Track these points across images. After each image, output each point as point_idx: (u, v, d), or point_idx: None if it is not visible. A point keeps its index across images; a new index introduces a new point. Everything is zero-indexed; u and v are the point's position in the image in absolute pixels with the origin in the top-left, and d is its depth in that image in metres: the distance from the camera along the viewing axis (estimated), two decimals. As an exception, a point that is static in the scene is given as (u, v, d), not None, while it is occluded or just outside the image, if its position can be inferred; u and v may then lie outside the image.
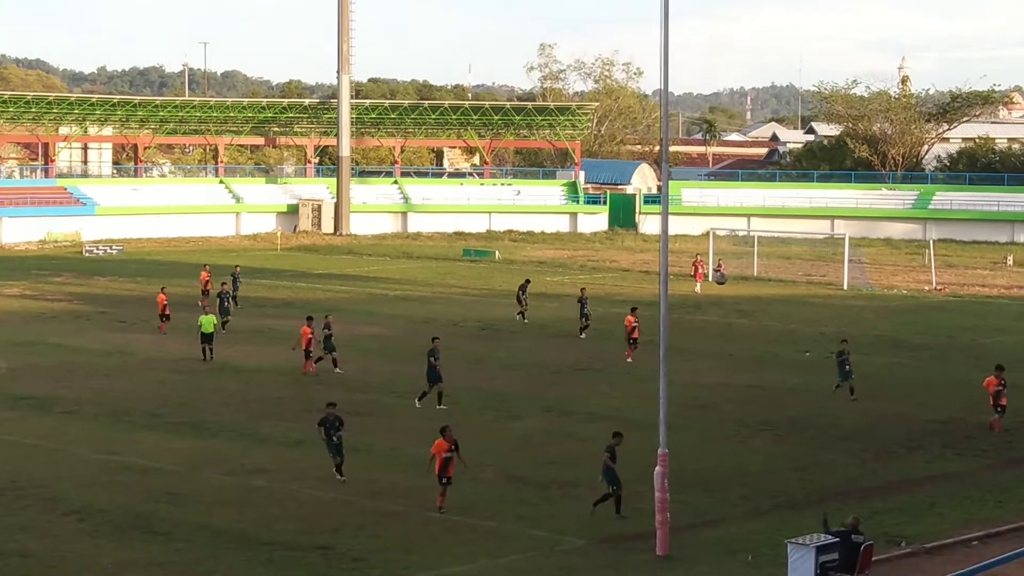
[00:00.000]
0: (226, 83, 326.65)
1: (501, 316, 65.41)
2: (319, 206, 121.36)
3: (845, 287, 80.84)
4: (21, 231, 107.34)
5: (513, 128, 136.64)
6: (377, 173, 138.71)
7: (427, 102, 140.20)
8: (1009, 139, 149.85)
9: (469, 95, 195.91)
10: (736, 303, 72.61)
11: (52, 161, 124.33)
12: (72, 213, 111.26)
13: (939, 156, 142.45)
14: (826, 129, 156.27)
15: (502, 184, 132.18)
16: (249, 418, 41.88)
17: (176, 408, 43.33)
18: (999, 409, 41.24)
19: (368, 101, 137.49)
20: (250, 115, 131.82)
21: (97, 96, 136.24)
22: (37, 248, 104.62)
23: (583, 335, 59.13)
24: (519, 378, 49.42)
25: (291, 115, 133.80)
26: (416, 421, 41.45)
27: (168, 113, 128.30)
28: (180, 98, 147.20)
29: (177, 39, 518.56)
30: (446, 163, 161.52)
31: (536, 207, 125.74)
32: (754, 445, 39.07)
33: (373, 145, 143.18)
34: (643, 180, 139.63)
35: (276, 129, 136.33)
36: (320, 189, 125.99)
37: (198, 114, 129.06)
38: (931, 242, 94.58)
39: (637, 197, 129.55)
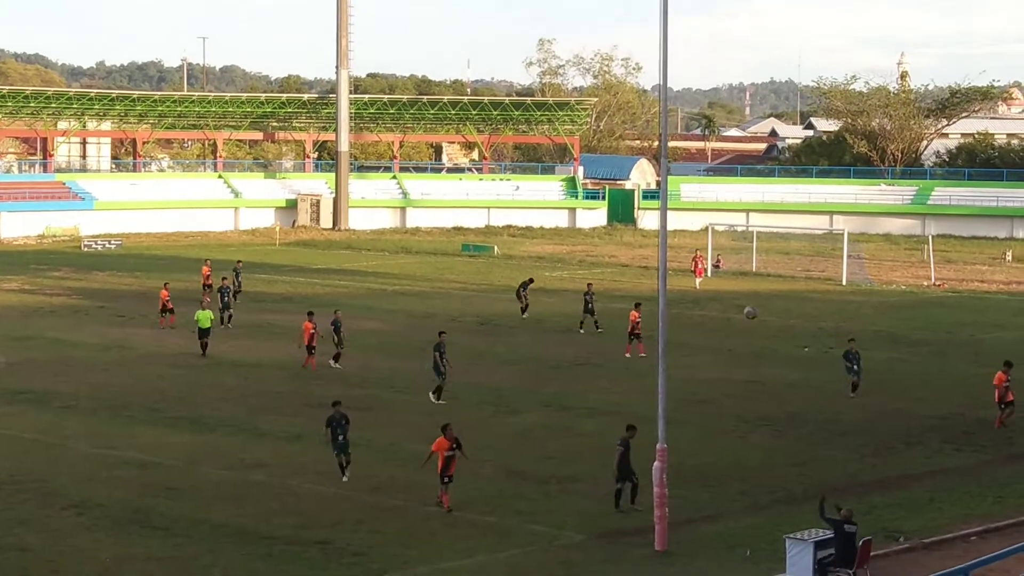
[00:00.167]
0: (225, 78, 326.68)
1: (500, 311, 65.39)
2: (318, 201, 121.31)
3: (844, 282, 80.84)
4: (19, 226, 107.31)
5: (512, 123, 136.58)
6: (376, 168, 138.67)
7: (426, 97, 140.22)
8: (1008, 135, 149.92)
9: (468, 90, 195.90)
10: (735, 298, 72.56)
11: (50, 156, 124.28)
12: (70, 208, 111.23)
13: (938, 152, 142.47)
14: (825, 125, 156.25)
15: (501, 179, 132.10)
16: (248, 413, 41.86)
17: (175, 403, 43.31)
18: (1003, 405, 41.09)
19: (367, 96, 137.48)
20: (249, 110, 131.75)
21: (96, 91, 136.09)
22: (36, 243, 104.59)
23: (599, 329, 58.56)
24: (518, 373, 49.41)
25: (290, 110, 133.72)
26: (415, 416, 41.44)
27: (167, 108, 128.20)
28: (179, 93, 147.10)
29: (176, 34, 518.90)
30: (445, 158, 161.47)
31: (535, 202, 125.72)
32: (753, 440, 39.07)
33: (372, 140, 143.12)
34: (642, 175, 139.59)
35: (275, 124, 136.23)
36: (319, 184, 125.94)
37: (197, 109, 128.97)
38: (930, 238, 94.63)
39: (636, 192, 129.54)
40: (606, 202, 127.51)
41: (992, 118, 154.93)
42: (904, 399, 44.95)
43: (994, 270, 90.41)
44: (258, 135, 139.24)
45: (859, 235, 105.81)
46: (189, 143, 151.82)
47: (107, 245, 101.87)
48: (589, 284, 62.89)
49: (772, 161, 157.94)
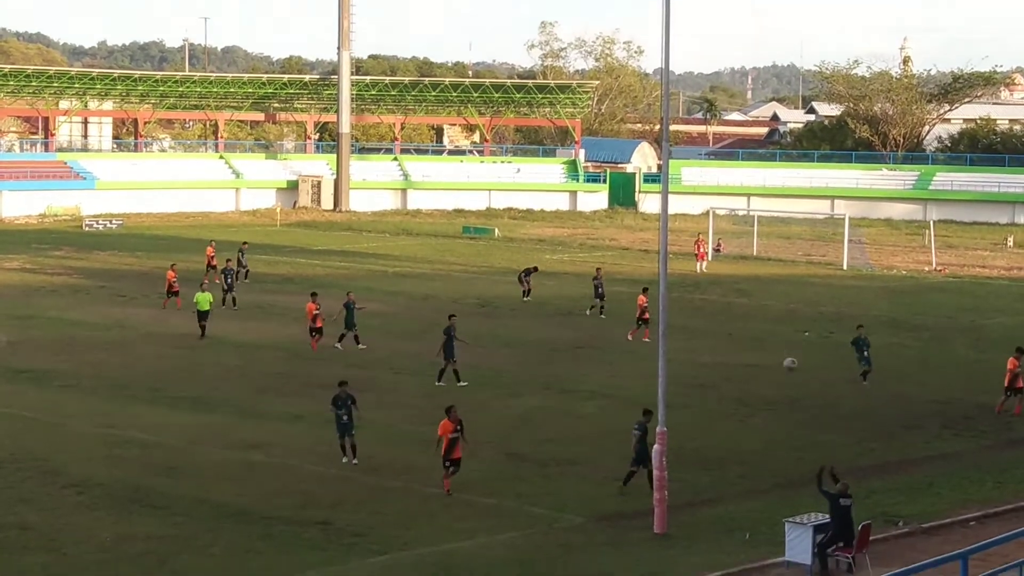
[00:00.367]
0: (226, 58, 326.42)
1: (500, 294, 65.40)
2: (319, 182, 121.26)
3: (845, 267, 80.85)
4: (21, 205, 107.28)
5: (513, 106, 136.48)
6: (377, 150, 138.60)
7: (427, 79, 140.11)
8: (1011, 120, 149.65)
9: (470, 72, 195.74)
10: (735, 282, 72.62)
11: (52, 135, 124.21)
12: (72, 187, 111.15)
13: (940, 137, 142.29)
14: (827, 109, 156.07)
15: (502, 162, 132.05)
16: (249, 393, 41.92)
17: (175, 383, 43.36)
18: (1009, 392, 40.94)
19: (368, 78, 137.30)
20: (250, 91, 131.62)
21: (97, 70, 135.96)
22: (37, 222, 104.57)
23: (601, 314, 58.48)
24: (518, 356, 49.45)
25: (291, 91, 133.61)
26: (415, 398, 41.51)
27: (168, 88, 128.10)
28: (180, 73, 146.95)
29: (178, 14, 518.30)
30: (446, 140, 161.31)
31: (536, 185, 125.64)
32: (753, 424, 39.12)
33: (373, 122, 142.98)
34: (643, 159, 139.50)
35: (276, 105, 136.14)
36: (320, 165, 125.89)
37: (198, 89, 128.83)
38: (931, 223, 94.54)
39: (637, 176, 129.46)
40: (607, 185, 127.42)
41: (994, 103, 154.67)
42: (904, 384, 44.99)
43: (995, 256, 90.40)
44: (259, 116, 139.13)
45: (860, 220, 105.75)
46: (190, 123, 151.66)
47: (108, 225, 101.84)
48: (598, 268, 62.68)
49: (774, 145, 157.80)
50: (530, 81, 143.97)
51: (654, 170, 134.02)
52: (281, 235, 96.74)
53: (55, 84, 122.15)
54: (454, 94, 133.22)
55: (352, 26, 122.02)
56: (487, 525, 28.70)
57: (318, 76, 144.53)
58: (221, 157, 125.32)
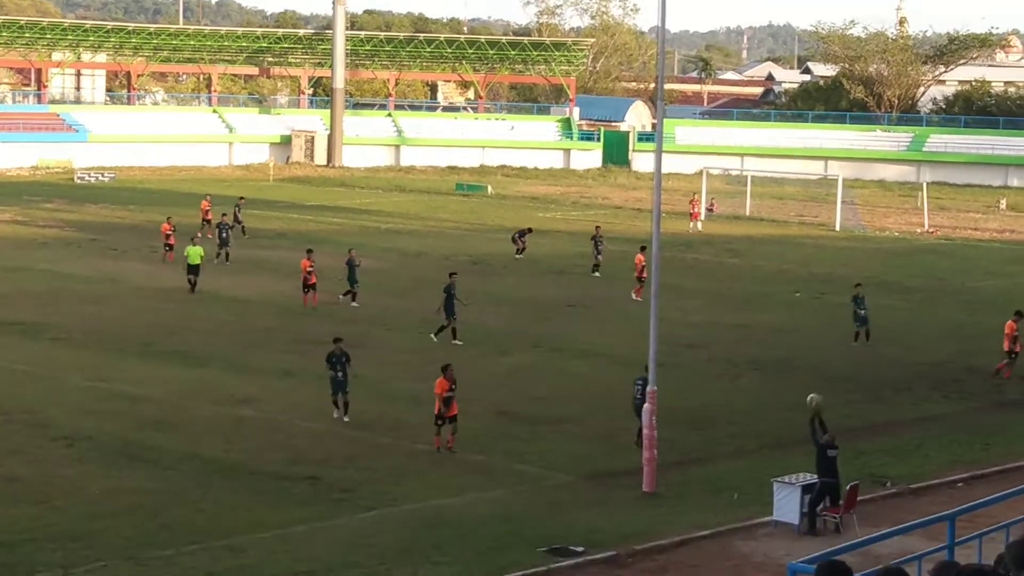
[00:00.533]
0: (220, 12, 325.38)
1: (493, 251, 65.35)
2: (312, 138, 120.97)
3: (837, 228, 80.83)
4: (13, 156, 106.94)
5: (508, 63, 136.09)
6: (371, 106, 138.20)
7: (422, 35, 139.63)
8: (1005, 82, 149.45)
9: (465, 29, 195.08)
10: (728, 242, 72.60)
11: (45, 87, 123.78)
12: (64, 139, 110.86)
13: (935, 99, 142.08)
14: (822, 69, 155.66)
15: (496, 119, 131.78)
16: (240, 348, 41.92)
17: (166, 337, 43.35)
18: (1013, 356, 40.86)
19: (363, 33, 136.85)
20: (244, 45, 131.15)
21: (91, 22, 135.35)
22: (29, 174, 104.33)
23: (596, 273, 58.48)
24: (509, 313, 49.45)
25: (285, 45, 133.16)
26: (406, 355, 41.55)
27: (162, 41, 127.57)
28: (174, 26, 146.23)
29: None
30: (440, 97, 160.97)
31: (530, 143, 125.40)
32: (742, 384, 39.19)
33: (367, 77, 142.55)
34: (637, 117, 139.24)
35: (270, 59, 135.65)
36: (313, 120, 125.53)
37: (192, 43, 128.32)
38: (924, 184, 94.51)
39: (631, 134, 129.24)
40: (601, 143, 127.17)
41: (989, 66, 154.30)
42: (894, 346, 45.03)
43: (988, 218, 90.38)
44: (253, 70, 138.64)
45: (853, 181, 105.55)
46: (184, 77, 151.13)
47: (100, 178, 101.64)
48: (597, 227, 62.42)
49: (768, 105, 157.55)
50: (525, 38, 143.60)
51: (648, 129, 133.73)
52: (274, 190, 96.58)
53: (48, 35, 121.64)
54: (449, 50, 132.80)
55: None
56: (476, 482, 28.77)
57: (312, 31, 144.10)
58: (214, 111, 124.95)
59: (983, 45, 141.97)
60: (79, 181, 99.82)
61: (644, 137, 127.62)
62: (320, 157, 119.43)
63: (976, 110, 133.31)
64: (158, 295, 51.32)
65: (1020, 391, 39.49)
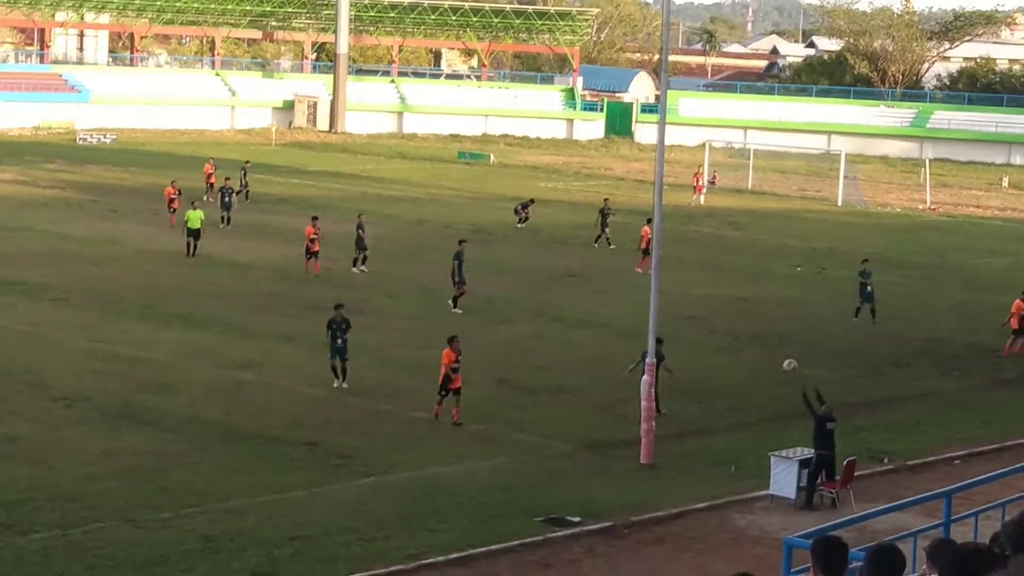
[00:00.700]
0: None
1: (494, 220, 65.28)
2: (315, 103, 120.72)
3: (839, 203, 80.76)
4: (15, 116, 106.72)
5: (512, 32, 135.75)
6: (374, 72, 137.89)
7: (427, 2, 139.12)
8: (1010, 60, 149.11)
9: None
10: (729, 215, 72.56)
11: (47, 47, 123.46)
12: (66, 100, 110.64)
13: (939, 75, 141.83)
14: (827, 44, 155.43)
15: (499, 87, 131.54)
16: (240, 312, 41.94)
17: (167, 299, 43.36)
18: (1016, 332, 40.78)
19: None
20: (248, 8, 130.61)
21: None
22: (31, 134, 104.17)
23: (596, 245, 58.20)
24: (510, 283, 49.44)
25: (290, 9, 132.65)
26: (406, 322, 41.60)
27: (166, 3, 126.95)
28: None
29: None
30: (444, 64, 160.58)
31: (533, 112, 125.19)
32: (742, 358, 39.23)
33: (371, 43, 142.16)
34: (641, 89, 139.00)
35: (274, 23, 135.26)
36: (316, 85, 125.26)
37: (196, 5, 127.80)
38: (927, 161, 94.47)
39: (634, 106, 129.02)
40: (604, 114, 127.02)
41: (995, 43, 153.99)
42: (894, 322, 45.04)
43: (990, 196, 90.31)
44: (257, 34, 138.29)
45: (856, 156, 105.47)
46: (187, 39, 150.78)
47: (102, 139, 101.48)
48: (606, 199, 61.96)
49: (772, 79, 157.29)
50: (530, 7, 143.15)
51: (652, 100, 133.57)
52: (276, 155, 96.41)
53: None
54: (453, 18, 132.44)
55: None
56: (475, 450, 28.84)
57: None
58: (217, 74, 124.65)
59: (989, 22, 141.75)
60: (81, 142, 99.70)
61: (647, 108, 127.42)
62: (323, 123, 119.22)
63: (980, 87, 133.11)
64: (159, 258, 51.32)
65: (1018, 369, 39.54)
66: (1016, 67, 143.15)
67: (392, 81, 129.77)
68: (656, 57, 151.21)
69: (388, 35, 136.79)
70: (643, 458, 28.39)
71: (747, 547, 24.25)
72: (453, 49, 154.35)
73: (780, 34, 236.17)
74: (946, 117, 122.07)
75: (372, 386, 33.52)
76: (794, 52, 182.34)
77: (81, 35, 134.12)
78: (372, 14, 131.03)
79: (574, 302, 46.09)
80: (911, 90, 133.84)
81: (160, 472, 26.31)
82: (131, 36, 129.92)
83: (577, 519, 24.85)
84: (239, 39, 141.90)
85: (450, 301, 43.40)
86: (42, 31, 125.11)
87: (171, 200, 58.90)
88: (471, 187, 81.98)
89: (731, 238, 64.45)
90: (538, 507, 25.34)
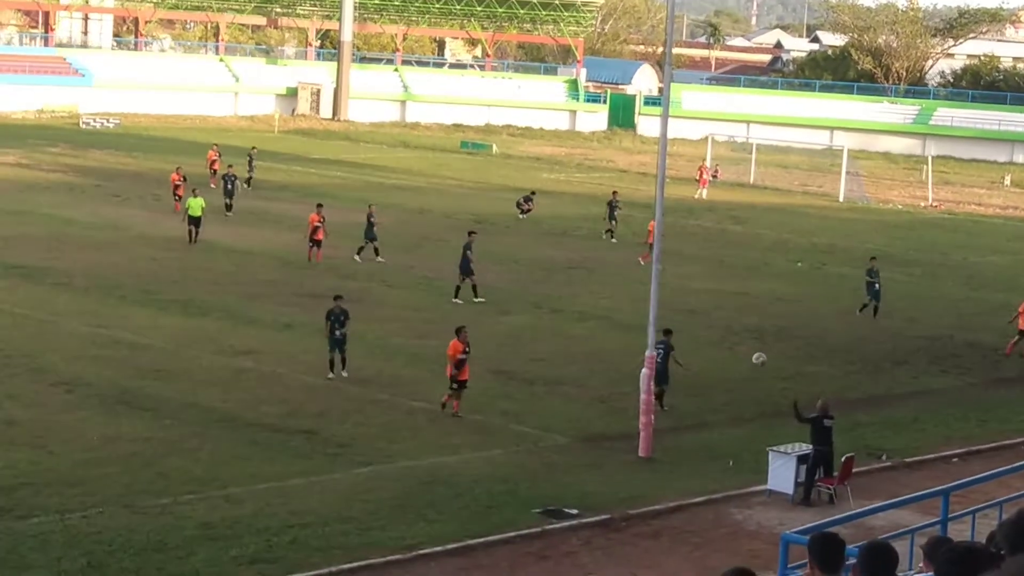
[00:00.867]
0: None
1: (495, 210, 65.28)
2: (318, 90, 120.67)
3: (841, 199, 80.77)
4: (18, 99, 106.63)
5: (517, 22, 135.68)
6: (378, 60, 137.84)
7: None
8: (1015, 58, 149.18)
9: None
10: (731, 209, 72.55)
11: (52, 30, 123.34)
12: (70, 83, 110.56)
13: (943, 72, 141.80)
14: (831, 39, 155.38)
15: (503, 78, 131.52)
16: (240, 299, 41.95)
17: (167, 285, 43.36)
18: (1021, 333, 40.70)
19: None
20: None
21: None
22: (34, 117, 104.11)
23: (613, 239, 57.83)
24: (510, 274, 49.42)
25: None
26: (405, 311, 41.60)
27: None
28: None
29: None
30: (448, 54, 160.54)
31: (536, 103, 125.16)
32: (741, 352, 39.18)
33: (375, 31, 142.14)
34: (644, 81, 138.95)
35: (279, 10, 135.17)
36: (320, 73, 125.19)
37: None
38: (930, 158, 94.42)
39: (637, 98, 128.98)
40: (607, 106, 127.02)
41: (999, 40, 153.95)
42: (894, 319, 45.05)
43: (992, 194, 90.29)
44: (261, 20, 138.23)
45: (859, 152, 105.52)
46: (191, 25, 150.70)
47: (105, 124, 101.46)
48: (615, 192, 61.73)
49: (776, 73, 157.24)
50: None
51: (655, 93, 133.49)
52: (278, 142, 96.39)
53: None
54: (457, 7, 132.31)
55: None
56: (472, 441, 28.86)
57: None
58: (221, 60, 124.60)
59: (993, 20, 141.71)
60: (84, 126, 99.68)
61: (650, 101, 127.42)
62: (326, 110, 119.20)
63: (984, 85, 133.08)
64: (161, 243, 51.31)
65: (1017, 368, 39.56)
66: (1020, 65, 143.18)
67: (396, 70, 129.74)
68: (660, 50, 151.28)
69: (392, 23, 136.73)
70: (641, 451, 28.42)
71: (744, 542, 24.27)
72: (457, 38, 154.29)
73: (784, 28, 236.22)
74: (949, 114, 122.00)
75: (371, 375, 33.53)
76: (798, 47, 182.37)
77: (86, 18, 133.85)
78: (377, 2, 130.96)
79: (574, 294, 46.10)
80: (914, 87, 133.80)
81: (159, 458, 26.34)
82: (136, 20, 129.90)
83: (575, 511, 24.88)
84: (243, 25, 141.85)
85: (473, 293, 43.28)
86: (47, 14, 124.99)
87: (176, 186, 58.75)
88: (473, 177, 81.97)
89: (732, 232, 64.45)
90: (535, 499, 25.37)
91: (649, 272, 30.60)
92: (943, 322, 45.47)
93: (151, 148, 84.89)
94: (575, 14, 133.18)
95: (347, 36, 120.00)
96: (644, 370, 28.95)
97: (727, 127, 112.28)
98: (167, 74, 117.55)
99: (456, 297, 43.14)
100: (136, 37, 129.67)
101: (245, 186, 64.32)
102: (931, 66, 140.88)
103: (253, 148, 72.10)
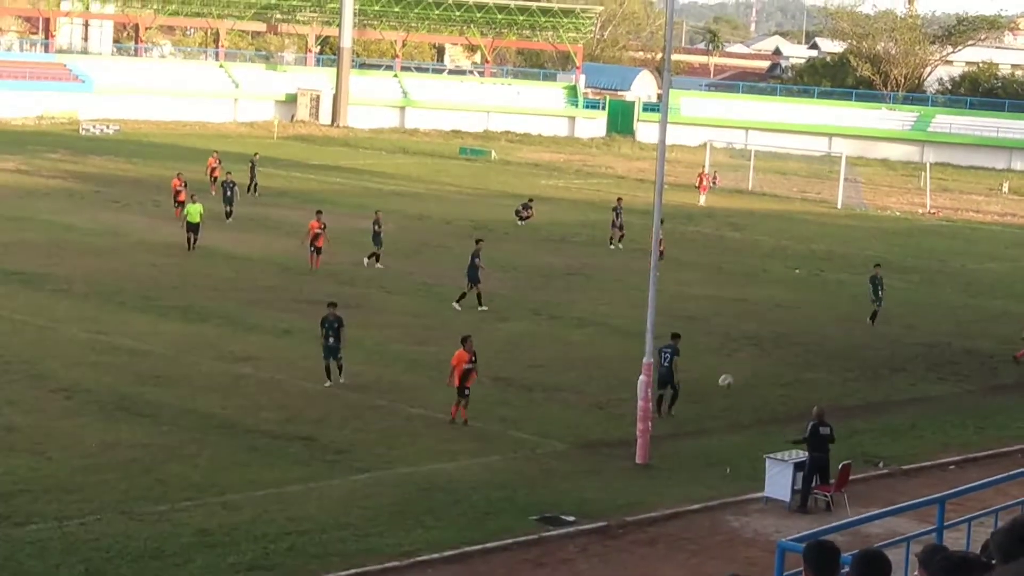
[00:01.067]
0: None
1: (494, 217, 65.31)
2: (318, 96, 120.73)
3: (839, 206, 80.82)
4: (18, 105, 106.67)
5: (516, 28, 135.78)
6: (377, 66, 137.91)
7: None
8: (1013, 65, 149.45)
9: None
10: (729, 216, 72.62)
11: (52, 36, 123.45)
12: (70, 89, 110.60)
13: (941, 79, 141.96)
14: (830, 45, 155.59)
15: (502, 84, 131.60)
16: (239, 305, 41.99)
17: (167, 291, 43.41)
18: None
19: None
20: (253, 0, 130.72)
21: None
22: (33, 123, 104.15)
23: (620, 245, 57.54)
24: (508, 280, 49.42)
25: (294, 3, 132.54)
26: (404, 317, 41.65)
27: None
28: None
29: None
30: (447, 60, 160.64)
31: (535, 109, 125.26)
32: (739, 359, 39.25)
33: (375, 38, 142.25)
34: (643, 87, 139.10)
35: (278, 16, 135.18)
36: (320, 79, 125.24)
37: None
38: (928, 165, 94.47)
39: (636, 104, 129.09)
40: (606, 112, 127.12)
41: (997, 48, 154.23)
42: (892, 326, 45.08)
43: (990, 201, 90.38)
44: (261, 27, 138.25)
45: (857, 159, 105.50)
46: (191, 31, 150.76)
47: (105, 130, 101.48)
48: (619, 199, 61.59)
49: (775, 80, 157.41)
50: (533, 3, 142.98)
51: (654, 99, 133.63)
52: (278, 148, 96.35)
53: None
54: (457, 13, 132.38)
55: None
56: (470, 448, 28.90)
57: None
58: (221, 66, 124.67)
59: (992, 27, 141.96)
60: (84, 132, 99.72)
61: (649, 107, 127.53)
62: (325, 116, 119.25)
63: (982, 92, 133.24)
64: (160, 249, 51.34)
65: (1015, 375, 39.63)
66: (1018, 72, 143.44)
67: (395, 76, 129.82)
68: (659, 56, 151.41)
69: (392, 30, 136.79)
70: (639, 458, 28.46)
71: (741, 549, 24.32)
72: (456, 45, 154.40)
73: (783, 35, 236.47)
74: (947, 121, 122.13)
75: (369, 381, 33.58)
76: (797, 53, 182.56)
77: (86, 25, 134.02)
78: (376, 8, 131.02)
79: (572, 300, 46.15)
80: (913, 93, 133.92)
81: (157, 465, 26.37)
82: (136, 27, 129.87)
83: (572, 518, 24.93)
84: (243, 31, 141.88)
85: (455, 303, 43.36)
86: (47, 20, 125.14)
87: (177, 192, 58.67)
88: (472, 183, 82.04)
89: (731, 239, 64.50)
90: (533, 505, 25.42)
91: (647, 278, 30.63)
92: (941, 329, 45.52)
93: (151, 154, 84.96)
94: (574, 20, 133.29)
95: (347, 42, 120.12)
96: (642, 377, 28.99)
97: (726, 133, 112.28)
98: (167, 80, 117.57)
99: (457, 303, 43.16)
100: (136, 43, 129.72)
101: (253, 193, 64.35)
102: (929, 73, 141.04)
103: (255, 154, 72.17)
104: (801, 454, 26.71)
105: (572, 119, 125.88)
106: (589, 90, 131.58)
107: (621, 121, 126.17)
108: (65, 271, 45.79)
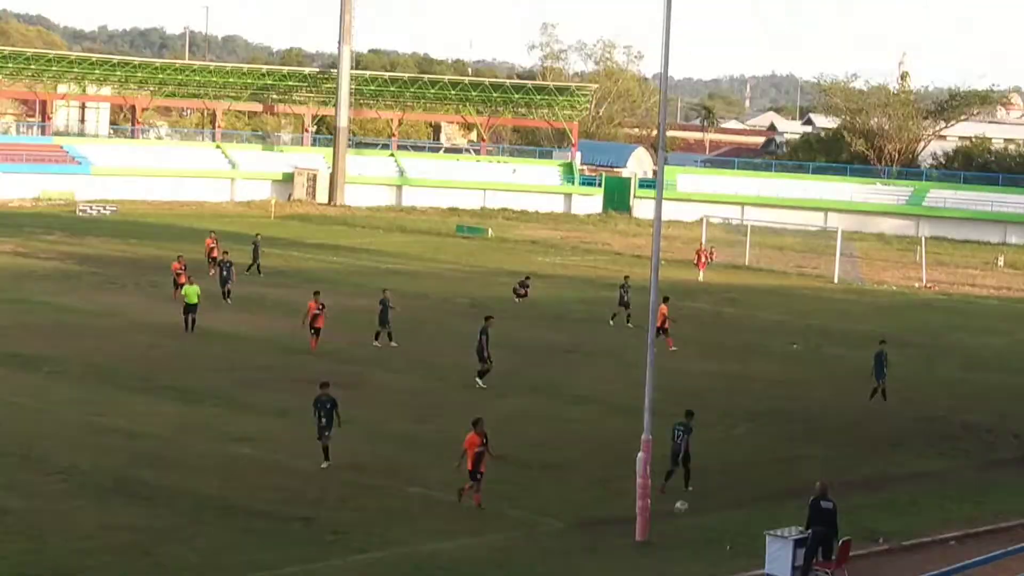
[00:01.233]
0: (227, 47, 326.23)
1: (492, 294, 65.40)
2: (314, 175, 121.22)
3: (835, 280, 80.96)
4: (15, 187, 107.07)
5: (512, 106, 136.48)
6: (374, 145, 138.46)
7: (427, 76, 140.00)
8: (1006, 139, 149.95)
9: (469, 71, 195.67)
10: (727, 291, 72.69)
11: (49, 119, 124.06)
12: (67, 171, 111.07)
13: (935, 154, 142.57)
14: (824, 121, 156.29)
15: (498, 162, 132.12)
16: (236, 386, 41.93)
17: (164, 372, 43.36)
18: None
19: (368, 72, 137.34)
20: (249, 81, 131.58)
21: (97, 55, 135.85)
22: (31, 205, 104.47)
23: (631, 324, 57.31)
24: (507, 357, 49.22)
25: (290, 83, 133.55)
26: (402, 396, 41.58)
27: (167, 76, 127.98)
28: (180, 61, 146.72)
29: (179, 1, 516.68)
30: (443, 138, 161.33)
31: (531, 186, 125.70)
32: (737, 435, 39.20)
33: (371, 117, 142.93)
34: (639, 164, 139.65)
35: (275, 96, 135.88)
36: (316, 158, 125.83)
37: (197, 78, 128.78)
38: (923, 239, 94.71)
39: (632, 181, 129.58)
40: (602, 189, 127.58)
41: (990, 122, 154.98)
42: (890, 401, 45.00)
43: (986, 274, 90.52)
44: (257, 107, 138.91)
45: (853, 233, 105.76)
46: (188, 112, 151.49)
47: (102, 211, 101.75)
48: (626, 277, 61.47)
49: (770, 155, 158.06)
50: (529, 82, 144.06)
51: (650, 175, 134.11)
52: (275, 227, 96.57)
53: (54, 68, 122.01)
54: (453, 92, 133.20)
55: (354, 20, 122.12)
56: (468, 526, 28.77)
57: (318, 69, 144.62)
58: (218, 147, 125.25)
59: (984, 102, 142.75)
60: (81, 214, 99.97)
61: (645, 184, 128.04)
62: (322, 195, 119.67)
63: (976, 166, 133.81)
64: (157, 330, 51.33)
65: (1013, 450, 39.54)
66: (1011, 146, 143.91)
67: (391, 154, 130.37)
68: (654, 132, 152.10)
69: (388, 109, 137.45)
70: (638, 535, 28.34)
71: (741, 627, 24.17)
72: (452, 123, 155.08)
73: (778, 111, 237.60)
74: (942, 195, 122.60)
75: (367, 460, 33.48)
76: (791, 129, 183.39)
77: (82, 107, 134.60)
78: (372, 88, 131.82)
79: (571, 377, 46.12)
80: (907, 168, 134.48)
81: (155, 547, 26.22)
82: (132, 108, 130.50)
83: (571, 597, 24.78)
84: (240, 112, 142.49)
85: (477, 378, 43.35)
86: (44, 103, 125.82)
87: (177, 274, 58.24)
88: (469, 261, 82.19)
89: (728, 314, 64.55)
90: (532, 585, 25.28)
91: (645, 355, 30.59)
92: (939, 403, 45.48)
93: (148, 235, 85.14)
94: (569, 98, 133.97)
95: (343, 122, 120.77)
96: (640, 454, 28.91)
97: (722, 209, 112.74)
98: (164, 161, 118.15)
99: (480, 379, 43.06)
100: (133, 125, 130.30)
101: (256, 273, 64.47)
102: (923, 148, 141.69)
103: (257, 235, 72.38)
104: (802, 530, 26.57)
105: (568, 196, 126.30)
106: (585, 167, 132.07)
107: (617, 198, 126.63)
108: (62, 352, 45.76)
